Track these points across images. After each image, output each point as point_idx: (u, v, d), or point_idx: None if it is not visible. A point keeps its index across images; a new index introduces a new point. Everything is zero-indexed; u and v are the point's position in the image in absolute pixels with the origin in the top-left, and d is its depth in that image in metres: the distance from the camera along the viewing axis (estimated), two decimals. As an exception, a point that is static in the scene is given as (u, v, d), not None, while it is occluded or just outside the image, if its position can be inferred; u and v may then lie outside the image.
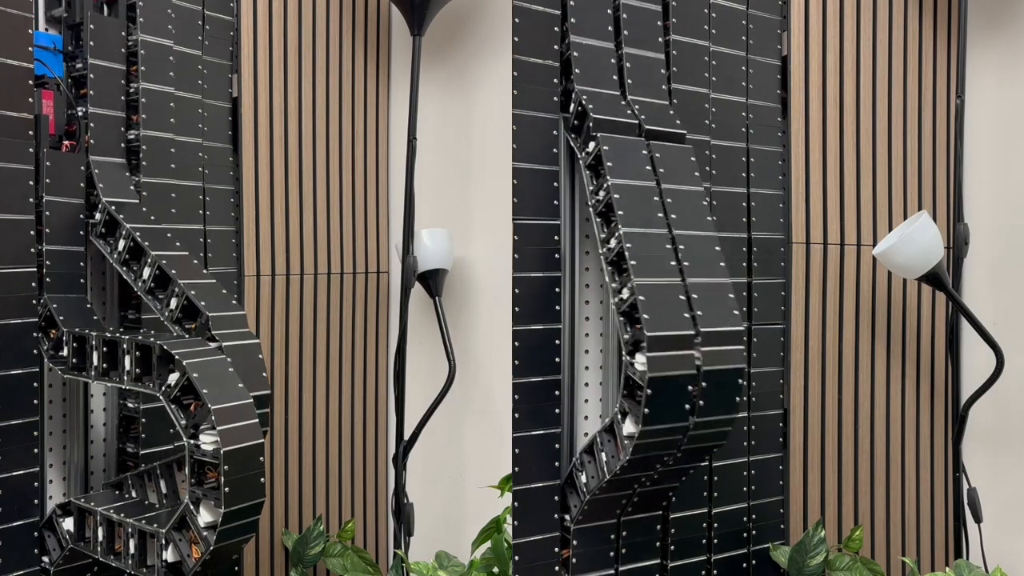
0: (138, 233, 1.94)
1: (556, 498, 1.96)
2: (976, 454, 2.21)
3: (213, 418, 1.62)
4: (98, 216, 2.01)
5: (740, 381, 1.74)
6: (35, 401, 1.92)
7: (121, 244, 1.97)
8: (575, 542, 1.94)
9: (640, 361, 1.69)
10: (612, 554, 1.98)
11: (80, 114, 2.03)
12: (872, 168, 2.24)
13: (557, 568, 1.97)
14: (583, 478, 1.91)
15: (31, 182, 1.91)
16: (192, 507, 1.67)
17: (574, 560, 1.94)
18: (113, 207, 1.99)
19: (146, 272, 1.93)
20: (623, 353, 1.74)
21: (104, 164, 2.04)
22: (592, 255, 2.05)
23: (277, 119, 2.40)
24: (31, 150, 1.91)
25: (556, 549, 1.96)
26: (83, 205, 2.02)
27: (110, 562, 1.85)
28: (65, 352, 1.91)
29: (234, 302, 1.90)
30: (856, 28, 2.22)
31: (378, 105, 2.68)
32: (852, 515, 2.25)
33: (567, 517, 1.95)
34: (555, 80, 1.96)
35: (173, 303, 1.89)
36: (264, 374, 1.84)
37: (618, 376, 2.02)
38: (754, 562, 2.15)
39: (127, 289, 2.12)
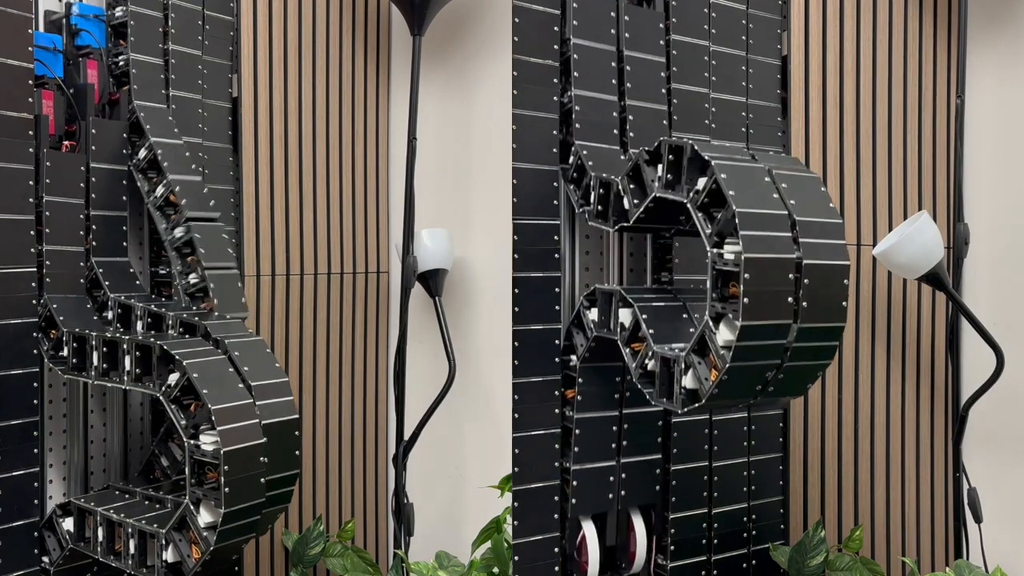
0: (153, 306, 1.93)
1: (556, 498, 1.96)
2: (976, 454, 2.21)
3: (213, 418, 1.62)
4: (111, 314, 1.99)
5: (845, 282, 1.55)
6: (35, 401, 1.92)
7: (139, 325, 1.94)
8: (580, 380, 1.93)
9: (732, 248, 1.50)
10: (617, 396, 1.98)
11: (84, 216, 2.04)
12: (872, 168, 2.23)
13: (557, 568, 1.97)
14: (591, 315, 1.89)
15: (31, 182, 1.91)
16: (192, 507, 1.67)
17: (579, 398, 1.94)
18: (122, 297, 1.99)
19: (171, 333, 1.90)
20: (708, 248, 1.54)
21: (108, 264, 2.05)
22: (592, 255, 2.05)
23: (277, 119, 2.40)
24: (31, 150, 1.91)
25: (556, 549, 1.97)
26: (82, 205, 2.02)
27: (110, 562, 1.85)
28: (65, 352, 1.91)
29: (278, 365, 1.82)
30: (856, 28, 2.22)
31: (378, 105, 2.68)
32: (852, 515, 2.25)
33: (573, 357, 1.95)
34: (555, 80, 1.96)
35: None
36: (297, 452, 1.78)
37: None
38: (754, 562, 2.15)
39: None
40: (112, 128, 2.06)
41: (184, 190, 1.99)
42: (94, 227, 2.03)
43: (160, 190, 2.01)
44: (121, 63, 2.09)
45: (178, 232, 1.98)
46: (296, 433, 1.77)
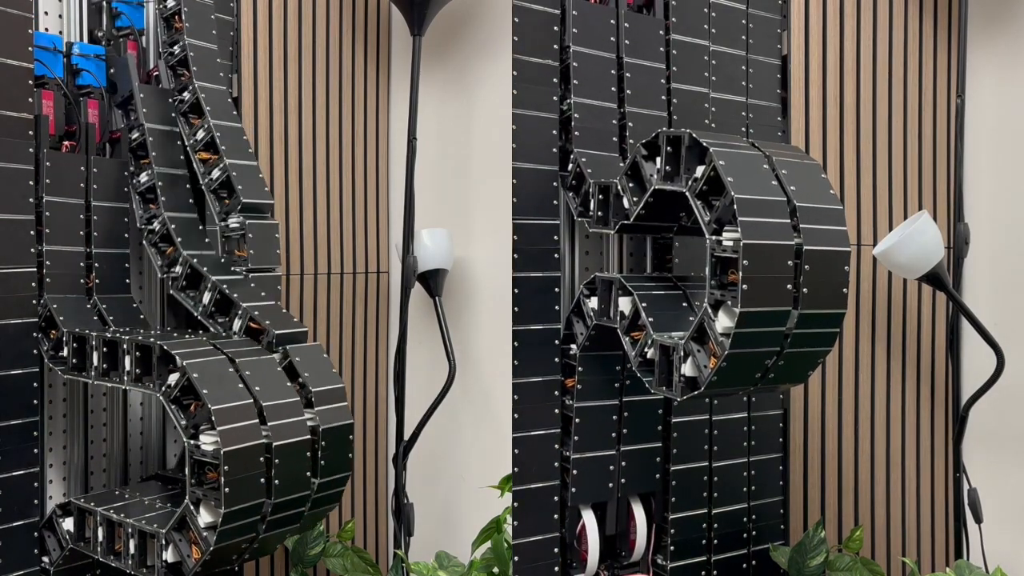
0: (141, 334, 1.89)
1: (556, 498, 1.96)
2: (976, 454, 2.21)
3: (213, 418, 1.62)
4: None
5: (846, 268, 1.56)
6: (35, 401, 1.92)
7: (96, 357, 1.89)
8: (580, 369, 1.94)
9: (731, 236, 1.50)
10: (617, 385, 1.98)
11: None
12: (872, 168, 2.23)
13: (557, 568, 1.97)
14: (591, 304, 1.89)
15: (31, 182, 1.91)
16: (192, 507, 1.67)
17: (579, 387, 1.95)
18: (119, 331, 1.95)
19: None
20: (707, 236, 1.55)
21: (112, 300, 2.05)
22: (592, 255, 2.05)
23: (277, 119, 2.40)
24: (31, 150, 1.91)
25: (555, 550, 1.97)
26: (82, 206, 2.02)
27: (110, 562, 1.84)
28: (65, 352, 1.91)
29: (334, 371, 1.85)
30: (856, 28, 2.22)
31: (378, 105, 2.68)
32: (852, 515, 2.24)
33: (573, 346, 1.95)
34: (555, 80, 1.96)
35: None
36: (350, 455, 1.82)
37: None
38: (754, 562, 2.15)
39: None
40: (113, 167, 2.06)
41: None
42: (96, 265, 2.03)
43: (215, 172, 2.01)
44: (177, 51, 2.09)
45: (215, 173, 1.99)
46: (350, 437, 1.81)
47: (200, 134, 2.03)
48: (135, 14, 2.13)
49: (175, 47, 2.09)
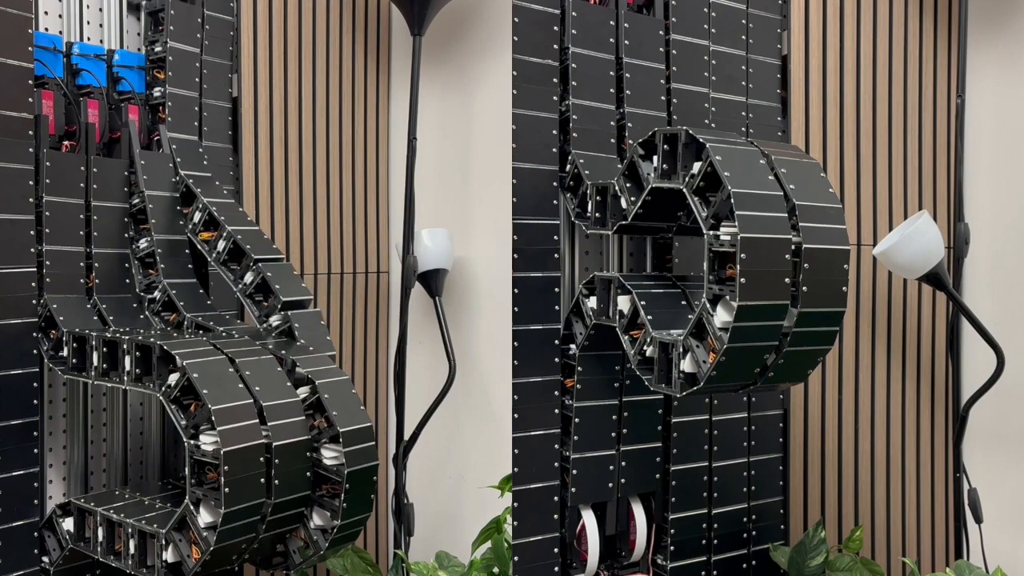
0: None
1: (556, 498, 1.96)
2: (976, 454, 2.21)
3: (213, 418, 1.62)
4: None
5: (845, 267, 1.56)
6: (35, 401, 1.92)
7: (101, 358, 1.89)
8: (580, 368, 1.94)
9: (728, 230, 1.51)
10: (617, 385, 1.98)
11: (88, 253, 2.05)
12: (872, 168, 2.23)
13: (557, 568, 1.97)
14: (590, 303, 1.89)
15: (31, 182, 1.91)
16: (192, 507, 1.67)
17: (579, 387, 1.95)
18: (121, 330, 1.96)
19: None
20: (705, 231, 1.55)
21: (111, 300, 2.04)
22: (592, 255, 2.05)
23: (277, 119, 2.40)
24: (31, 150, 1.91)
25: (555, 550, 1.97)
26: (82, 206, 2.02)
27: (110, 562, 1.85)
28: (65, 352, 1.91)
29: (362, 408, 1.78)
30: (856, 28, 2.22)
31: (378, 105, 2.68)
32: (852, 515, 2.24)
33: (572, 346, 1.95)
34: (555, 80, 1.96)
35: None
36: (372, 496, 1.76)
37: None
38: (754, 563, 2.15)
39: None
40: (113, 167, 2.06)
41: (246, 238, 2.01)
42: (96, 265, 2.03)
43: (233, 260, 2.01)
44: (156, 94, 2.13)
45: (248, 277, 1.98)
46: (374, 479, 1.75)
47: (196, 216, 2.06)
48: (136, 78, 2.13)
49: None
